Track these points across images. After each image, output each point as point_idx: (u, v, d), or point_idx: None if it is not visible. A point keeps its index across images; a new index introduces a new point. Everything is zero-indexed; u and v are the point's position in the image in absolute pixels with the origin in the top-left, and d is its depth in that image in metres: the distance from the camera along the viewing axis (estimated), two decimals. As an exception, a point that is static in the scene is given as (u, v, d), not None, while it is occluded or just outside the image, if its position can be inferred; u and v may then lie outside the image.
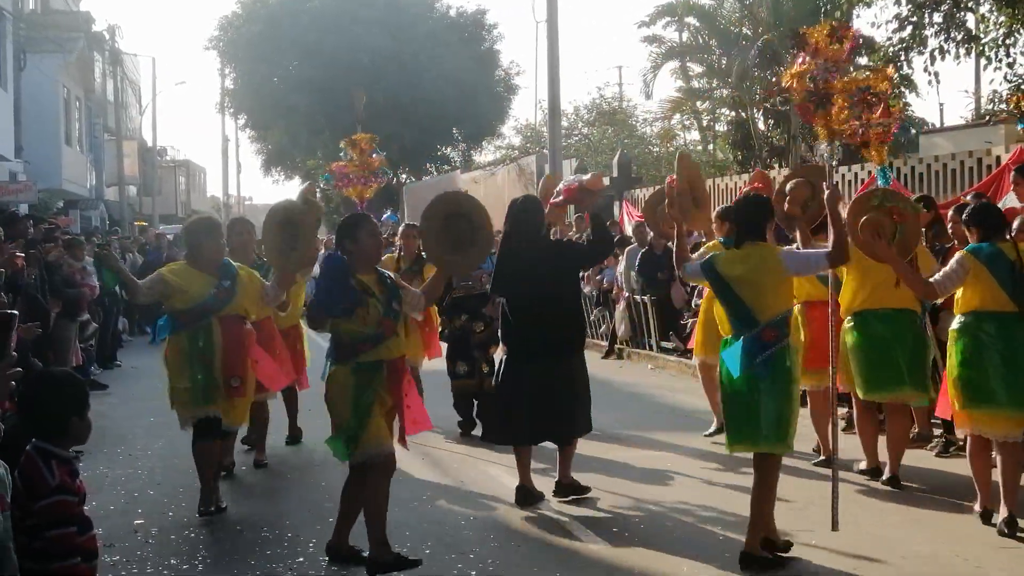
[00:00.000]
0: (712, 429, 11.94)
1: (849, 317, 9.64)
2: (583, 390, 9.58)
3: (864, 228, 8.83)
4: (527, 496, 9.41)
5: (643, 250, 18.97)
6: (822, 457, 10.42)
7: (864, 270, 9.35)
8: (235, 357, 9.10)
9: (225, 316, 9.11)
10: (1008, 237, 8.47)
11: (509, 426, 9.50)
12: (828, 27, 8.11)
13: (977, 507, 8.62)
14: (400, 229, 13.49)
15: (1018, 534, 8.05)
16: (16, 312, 4.38)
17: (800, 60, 8.11)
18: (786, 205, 9.54)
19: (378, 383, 7.53)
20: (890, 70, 8.36)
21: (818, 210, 9.08)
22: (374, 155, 14.07)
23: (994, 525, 8.24)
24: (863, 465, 10.10)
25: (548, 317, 9.24)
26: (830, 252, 7.60)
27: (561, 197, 9.70)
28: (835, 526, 7.94)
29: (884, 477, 9.71)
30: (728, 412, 7.80)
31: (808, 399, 10.53)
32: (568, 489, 9.58)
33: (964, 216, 8.73)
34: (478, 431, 11.84)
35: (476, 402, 12.43)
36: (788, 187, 9.69)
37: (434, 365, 12.74)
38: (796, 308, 10.09)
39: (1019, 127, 12.89)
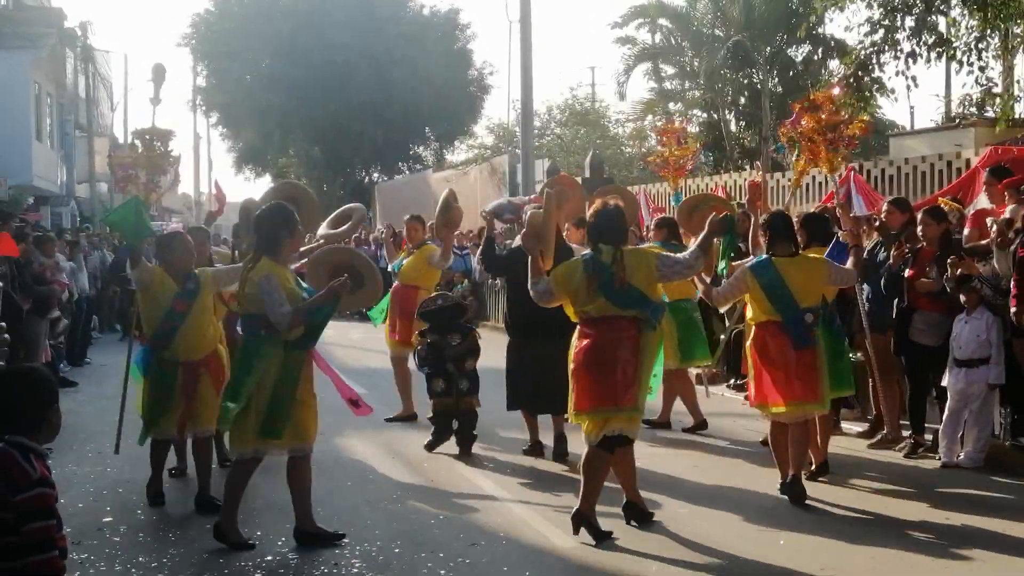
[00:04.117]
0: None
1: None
2: None
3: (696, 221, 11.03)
4: (536, 448, 11.31)
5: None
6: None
7: None
8: None
9: None
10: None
11: (519, 395, 11.19)
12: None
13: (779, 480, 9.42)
14: (405, 220, 14.00)
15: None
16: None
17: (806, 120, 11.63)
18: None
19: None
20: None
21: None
22: (171, 153, 12.09)
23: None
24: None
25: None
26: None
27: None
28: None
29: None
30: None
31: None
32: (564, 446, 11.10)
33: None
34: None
35: (456, 422, 11.70)
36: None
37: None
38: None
39: (775, 152, 14.80)
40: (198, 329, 9.34)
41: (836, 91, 12.43)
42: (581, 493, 8.29)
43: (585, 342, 8.29)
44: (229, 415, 7.96)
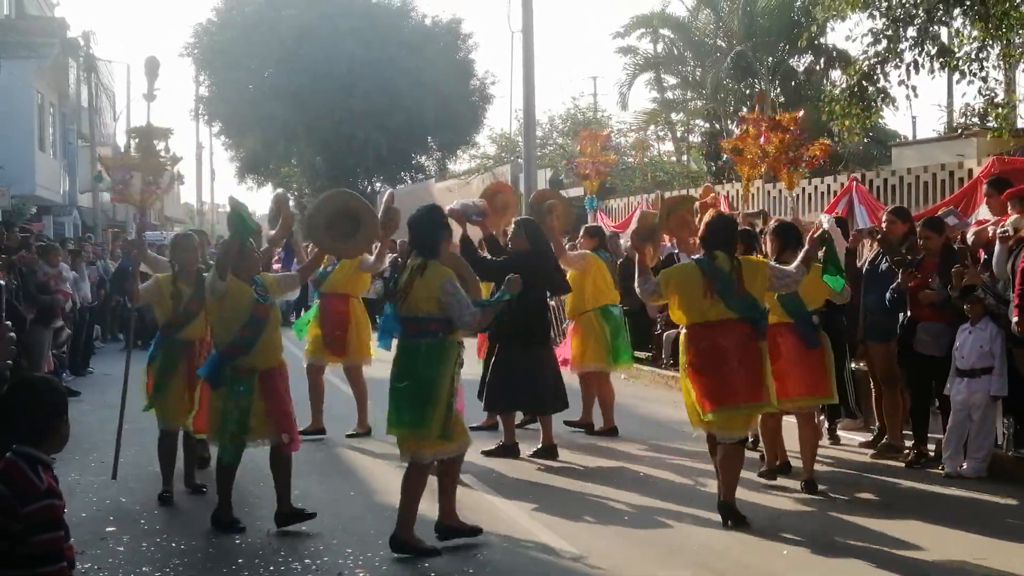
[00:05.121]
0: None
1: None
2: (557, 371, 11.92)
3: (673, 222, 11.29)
4: (512, 450, 11.59)
5: (619, 261, 18.99)
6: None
7: None
8: None
9: None
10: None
11: (504, 397, 11.56)
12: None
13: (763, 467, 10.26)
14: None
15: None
16: (3, 282, 4.40)
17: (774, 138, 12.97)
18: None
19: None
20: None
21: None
22: (163, 154, 11.27)
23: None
24: None
25: (539, 310, 11.51)
26: None
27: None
28: None
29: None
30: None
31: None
32: (552, 451, 11.54)
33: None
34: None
35: None
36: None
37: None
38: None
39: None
40: (274, 336, 9.06)
41: (801, 114, 13.74)
42: (722, 484, 8.86)
43: (704, 345, 8.67)
44: (432, 419, 7.98)
